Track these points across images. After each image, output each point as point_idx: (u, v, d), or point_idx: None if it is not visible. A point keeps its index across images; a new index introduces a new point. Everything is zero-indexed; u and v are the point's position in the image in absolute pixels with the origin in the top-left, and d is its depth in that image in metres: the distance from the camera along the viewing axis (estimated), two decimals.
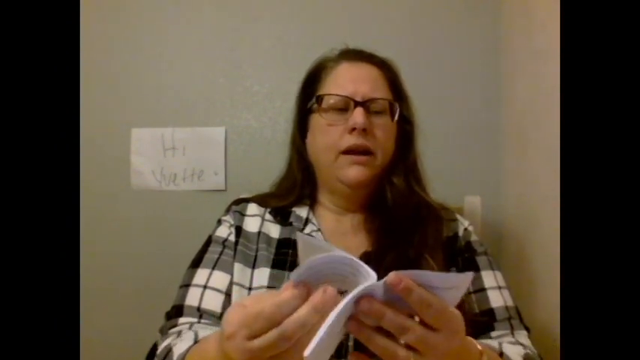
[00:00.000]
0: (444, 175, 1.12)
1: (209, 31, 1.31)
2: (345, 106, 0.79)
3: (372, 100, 0.79)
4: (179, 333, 0.72)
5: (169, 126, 1.30)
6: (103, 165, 1.29)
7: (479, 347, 0.58)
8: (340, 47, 0.88)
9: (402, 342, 0.47)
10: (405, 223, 0.79)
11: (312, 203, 0.87)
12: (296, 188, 0.86)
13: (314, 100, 0.82)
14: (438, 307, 0.46)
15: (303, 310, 0.44)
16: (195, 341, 0.66)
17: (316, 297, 0.44)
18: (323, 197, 0.87)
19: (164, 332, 0.75)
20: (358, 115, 0.77)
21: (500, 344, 0.70)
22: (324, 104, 0.80)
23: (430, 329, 0.46)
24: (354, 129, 0.77)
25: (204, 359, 0.57)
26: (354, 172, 0.78)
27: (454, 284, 0.47)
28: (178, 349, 0.66)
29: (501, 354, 0.67)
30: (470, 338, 0.58)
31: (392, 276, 0.44)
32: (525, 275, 1.11)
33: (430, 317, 0.46)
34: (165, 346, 0.69)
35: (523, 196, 1.16)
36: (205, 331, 0.71)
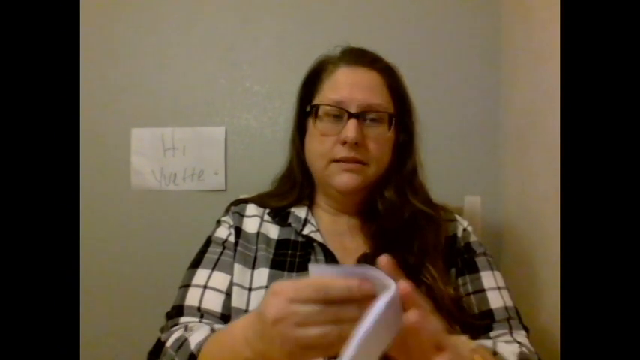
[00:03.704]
0: (444, 175, 1.12)
1: (209, 31, 1.31)
2: (340, 114, 0.78)
3: (368, 110, 0.78)
4: (186, 327, 0.72)
5: (169, 126, 1.30)
6: (103, 165, 1.29)
7: (471, 345, 0.59)
8: (344, 46, 0.86)
9: None
10: (401, 232, 0.78)
11: (311, 204, 0.87)
12: (296, 188, 0.86)
13: (309, 107, 0.82)
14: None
15: (353, 281, 0.46)
16: (213, 331, 0.66)
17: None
18: (319, 199, 0.87)
19: (165, 331, 0.75)
20: (351, 129, 0.75)
21: (494, 343, 0.70)
22: (319, 112, 0.80)
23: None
24: (346, 142, 0.76)
25: (230, 346, 0.57)
26: (344, 179, 0.78)
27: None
28: (195, 338, 0.66)
29: (495, 353, 0.67)
30: (462, 337, 0.59)
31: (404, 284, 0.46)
32: (525, 275, 1.11)
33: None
34: (178, 338, 0.68)
35: (523, 196, 1.16)
36: (219, 326, 0.71)
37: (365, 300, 0.46)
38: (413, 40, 1.29)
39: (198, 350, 0.63)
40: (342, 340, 0.46)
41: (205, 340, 0.64)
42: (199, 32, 1.31)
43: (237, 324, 0.58)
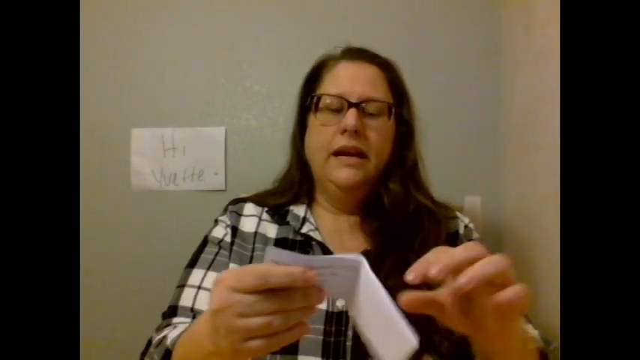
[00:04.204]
0: (444, 175, 1.12)
1: (209, 31, 1.31)
2: (340, 107, 0.78)
3: (368, 101, 0.78)
4: (175, 326, 0.72)
5: (169, 126, 1.30)
6: (103, 165, 1.29)
7: None
8: (344, 45, 0.87)
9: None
10: (404, 228, 0.78)
11: (310, 202, 0.87)
12: (294, 186, 0.87)
13: (309, 99, 0.82)
14: (441, 250, 0.49)
15: (295, 269, 0.45)
16: None
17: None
18: (319, 197, 0.87)
19: (158, 331, 0.75)
20: (350, 117, 0.76)
21: None
22: (320, 104, 0.80)
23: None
24: (345, 130, 0.76)
25: (194, 337, 0.57)
26: (344, 174, 0.78)
27: (350, 264, 0.48)
28: (173, 334, 0.67)
29: None
30: None
31: (405, 299, 0.46)
32: (525, 275, 1.11)
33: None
34: (162, 336, 0.70)
35: (523, 196, 1.16)
36: None
37: (311, 290, 0.46)
38: (413, 41, 1.29)
39: (173, 345, 0.64)
40: (287, 330, 0.46)
41: (180, 335, 0.64)
42: (199, 32, 1.31)
43: (203, 316, 0.57)
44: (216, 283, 0.48)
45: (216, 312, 0.47)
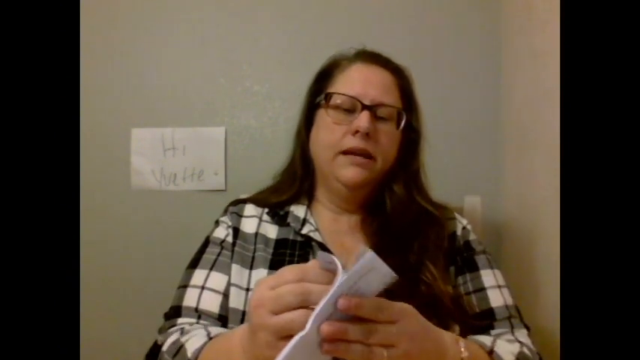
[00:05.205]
0: (444, 175, 1.12)
1: (209, 31, 1.31)
2: (352, 107, 0.79)
3: (380, 105, 0.79)
4: (182, 330, 0.71)
5: (169, 126, 1.30)
6: (103, 165, 1.29)
7: (463, 355, 0.59)
8: (357, 47, 0.87)
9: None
10: (405, 229, 0.78)
11: (310, 201, 0.87)
12: (296, 182, 0.87)
13: (323, 96, 0.82)
14: (386, 305, 0.49)
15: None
16: (210, 338, 0.66)
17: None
18: (321, 194, 0.87)
19: (163, 332, 0.74)
20: (363, 119, 0.76)
21: (493, 340, 0.69)
22: (332, 102, 0.80)
23: (389, 323, 0.49)
24: (357, 131, 0.77)
25: (227, 355, 0.58)
26: (351, 172, 0.78)
27: (369, 266, 0.47)
28: (191, 344, 0.65)
29: (491, 352, 0.66)
30: (460, 343, 0.60)
31: (342, 302, 0.46)
32: (525, 275, 1.11)
33: (384, 317, 0.49)
34: (174, 342, 0.68)
35: (523, 196, 1.16)
36: (215, 328, 0.71)
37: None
38: (413, 40, 1.29)
39: (196, 358, 0.63)
40: None
41: (203, 347, 0.64)
42: (199, 32, 1.31)
43: (236, 332, 0.59)
44: (256, 284, 0.51)
45: (254, 309, 0.49)
